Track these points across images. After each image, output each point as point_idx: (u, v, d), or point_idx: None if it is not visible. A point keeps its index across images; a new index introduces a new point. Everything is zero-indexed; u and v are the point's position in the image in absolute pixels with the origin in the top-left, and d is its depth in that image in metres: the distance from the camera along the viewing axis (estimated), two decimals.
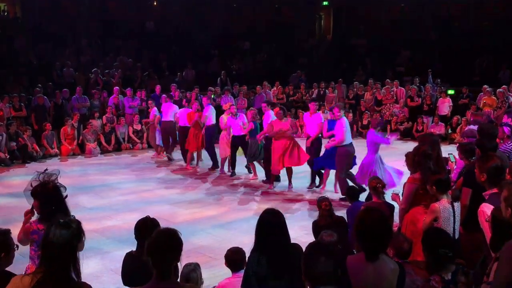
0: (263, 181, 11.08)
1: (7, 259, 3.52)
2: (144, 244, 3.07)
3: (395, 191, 5.87)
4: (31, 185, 3.97)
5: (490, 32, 23.74)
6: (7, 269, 3.54)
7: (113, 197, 10.03)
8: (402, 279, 3.31)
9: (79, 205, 9.08)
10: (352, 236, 5.06)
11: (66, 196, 4.16)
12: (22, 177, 3.83)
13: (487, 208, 4.00)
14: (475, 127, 7.07)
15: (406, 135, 16.99)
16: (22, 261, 3.95)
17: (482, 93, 16.74)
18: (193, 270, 4.37)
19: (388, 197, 6.21)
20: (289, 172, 10.54)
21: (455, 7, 27.72)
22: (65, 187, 4.16)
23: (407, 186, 5.17)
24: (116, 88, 16.53)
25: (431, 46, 23.80)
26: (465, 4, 27.14)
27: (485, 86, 16.57)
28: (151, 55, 21.84)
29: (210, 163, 12.57)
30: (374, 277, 3.23)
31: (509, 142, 6.25)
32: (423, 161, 5.06)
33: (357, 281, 3.24)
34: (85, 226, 4.35)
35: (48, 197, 3.86)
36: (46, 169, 4.05)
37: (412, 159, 5.26)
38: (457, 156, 6.28)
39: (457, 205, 4.78)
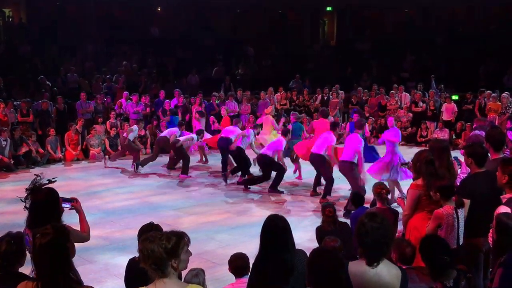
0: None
1: (21, 261, 3.60)
2: None
3: (399, 196, 5.86)
4: (25, 191, 4.00)
5: (495, 37, 23.70)
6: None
7: (117, 202, 10.04)
8: (405, 285, 3.30)
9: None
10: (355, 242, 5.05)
11: (55, 180, 4.21)
12: (26, 182, 3.88)
13: (504, 210, 4.00)
14: (480, 132, 7.06)
15: (410, 141, 16.96)
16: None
17: (486, 99, 16.73)
18: (196, 275, 4.36)
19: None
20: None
21: (460, 12, 27.72)
22: (54, 180, 4.20)
23: (410, 192, 5.15)
24: (126, 93, 16.57)
25: (436, 50, 23.77)
26: (470, 9, 27.13)
27: (489, 91, 16.59)
28: (156, 60, 21.89)
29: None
30: (376, 282, 3.21)
31: None
32: (425, 167, 5.05)
33: (359, 286, 3.23)
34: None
35: (37, 204, 3.87)
36: (38, 176, 4.05)
37: (414, 165, 5.25)
38: (462, 160, 6.25)
39: (461, 211, 4.76)
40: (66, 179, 11.90)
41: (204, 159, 13.90)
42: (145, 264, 2.90)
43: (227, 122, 13.51)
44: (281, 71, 23.17)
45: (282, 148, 10.71)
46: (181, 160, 12.61)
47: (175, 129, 13.07)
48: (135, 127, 13.75)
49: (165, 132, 13.15)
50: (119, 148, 14.99)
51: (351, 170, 9.18)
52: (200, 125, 14.37)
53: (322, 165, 10.02)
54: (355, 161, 9.14)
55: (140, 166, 12.79)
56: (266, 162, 10.71)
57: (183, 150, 12.47)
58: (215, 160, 13.70)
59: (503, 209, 4.06)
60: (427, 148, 5.69)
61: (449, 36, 25.16)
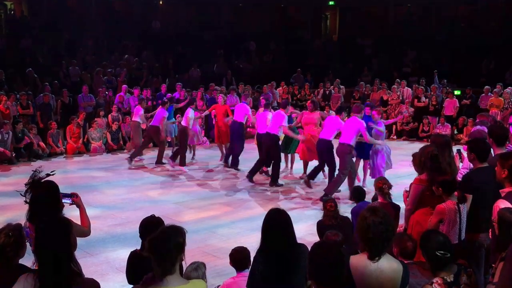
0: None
1: (21, 252, 3.61)
2: None
3: (406, 189, 5.82)
4: (24, 185, 4.02)
5: (497, 33, 23.64)
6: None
7: (118, 196, 10.04)
8: (406, 279, 3.30)
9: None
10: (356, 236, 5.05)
11: (54, 173, 4.25)
12: (27, 175, 3.94)
13: (503, 204, 4.00)
14: (482, 127, 7.04)
15: (412, 136, 16.95)
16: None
17: (483, 94, 16.75)
18: (195, 269, 4.36)
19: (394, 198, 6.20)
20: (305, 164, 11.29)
21: (462, 8, 27.65)
22: (53, 173, 4.25)
23: (413, 187, 5.14)
24: (124, 86, 16.56)
25: (437, 46, 23.74)
26: (472, 5, 27.06)
27: (488, 87, 16.61)
28: (157, 54, 21.86)
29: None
30: (377, 276, 3.21)
31: None
32: (429, 162, 5.03)
33: (360, 280, 3.23)
34: (90, 224, 4.41)
35: (37, 198, 3.89)
36: (37, 170, 4.07)
37: (418, 160, 5.23)
38: (465, 155, 6.23)
39: (463, 206, 4.76)
40: (68, 172, 11.92)
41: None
42: (161, 264, 2.89)
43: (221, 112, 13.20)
44: (282, 66, 23.14)
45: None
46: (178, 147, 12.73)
47: (160, 111, 12.82)
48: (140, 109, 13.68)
49: (154, 120, 12.92)
50: (121, 142, 15.04)
51: (347, 154, 9.23)
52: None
53: (328, 152, 9.94)
54: (353, 144, 9.17)
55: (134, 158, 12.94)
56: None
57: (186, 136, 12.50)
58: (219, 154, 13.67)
59: (501, 203, 4.06)
60: (434, 144, 5.64)
61: (450, 32, 25.10)
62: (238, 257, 4.63)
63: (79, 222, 4.25)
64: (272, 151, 10.72)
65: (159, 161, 12.95)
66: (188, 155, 13.19)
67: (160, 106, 13.14)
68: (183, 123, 12.62)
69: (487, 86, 16.86)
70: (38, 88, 16.35)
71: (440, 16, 27.86)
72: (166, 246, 2.88)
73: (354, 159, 9.87)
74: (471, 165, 5.38)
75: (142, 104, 13.97)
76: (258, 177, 11.38)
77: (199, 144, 14.13)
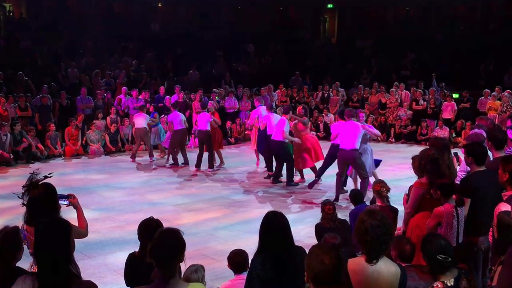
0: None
1: (18, 255, 3.60)
2: (147, 245, 3.06)
3: (406, 193, 5.81)
4: (22, 187, 4.03)
5: (496, 33, 23.66)
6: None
7: (116, 198, 10.03)
8: (404, 282, 3.30)
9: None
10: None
11: (52, 175, 4.25)
12: (25, 178, 3.95)
13: (504, 208, 4.00)
14: (479, 131, 7.04)
15: (410, 139, 16.96)
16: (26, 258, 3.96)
17: (483, 97, 16.77)
18: (195, 271, 4.35)
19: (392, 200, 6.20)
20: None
21: (461, 9, 27.71)
22: (51, 175, 4.24)
23: (413, 190, 5.13)
24: (124, 88, 16.55)
25: (437, 46, 23.74)
26: (472, 6, 27.12)
27: (487, 90, 16.63)
28: (156, 56, 21.87)
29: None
30: (375, 279, 3.21)
31: None
32: (429, 165, 5.02)
33: (358, 283, 3.23)
34: (88, 227, 4.40)
35: (34, 200, 3.90)
36: (34, 172, 4.07)
37: (418, 163, 5.22)
38: (462, 158, 6.23)
39: (461, 209, 4.76)
40: (66, 175, 11.90)
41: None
42: (163, 268, 2.93)
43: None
44: (282, 66, 23.14)
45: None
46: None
47: (205, 115, 12.77)
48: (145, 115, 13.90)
49: (202, 125, 12.63)
50: (119, 144, 15.04)
51: (357, 157, 9.22)
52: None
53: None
54: (358, 147, 9.17)
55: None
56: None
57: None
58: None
59: (503, 206, 4.06)
60: (433, 147, 5.64)
61: (449, 34, 25.13)
62: (236, 259, 4.62)
63: (76, 224, 4.24)
64: (282, 155, 10.86)
65: (211, 166, 12.58)
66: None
67: (202, 110, 13.66)
68: (202, 127, 12.43)
69: (486, 89, 16.88)
70: (32, 90, 16.32)
71: (440, 16, 27.91)
72: (167, 251, 2.91)
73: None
74: (468, 168, 5.38)
75: (143, 110, 13.96)
76: (258, 179, 11.40)
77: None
